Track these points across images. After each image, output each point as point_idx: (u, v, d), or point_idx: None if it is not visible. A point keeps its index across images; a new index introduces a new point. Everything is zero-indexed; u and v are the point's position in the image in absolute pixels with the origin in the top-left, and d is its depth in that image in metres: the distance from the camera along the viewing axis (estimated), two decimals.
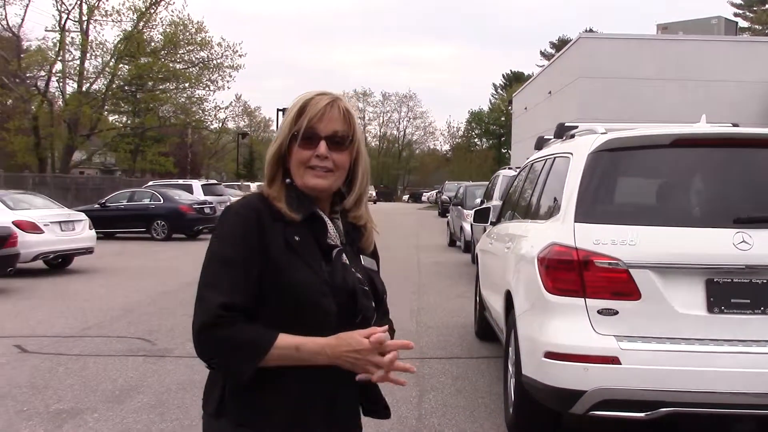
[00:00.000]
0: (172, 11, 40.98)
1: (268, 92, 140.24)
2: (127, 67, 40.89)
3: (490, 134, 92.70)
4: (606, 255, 4.16)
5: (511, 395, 5.10)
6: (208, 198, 24.57)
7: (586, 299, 4.19)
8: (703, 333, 4.10)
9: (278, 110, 52.59)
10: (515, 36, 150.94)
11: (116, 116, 51.23)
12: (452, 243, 20.85)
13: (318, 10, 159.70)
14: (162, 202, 22.95)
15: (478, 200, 16.49)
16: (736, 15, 62.59)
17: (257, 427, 1.79)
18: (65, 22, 38.46)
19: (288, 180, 1.90)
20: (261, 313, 1.79)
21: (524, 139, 37.69)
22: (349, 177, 1.95)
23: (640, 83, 29.19)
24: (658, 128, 4.97)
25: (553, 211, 4.78)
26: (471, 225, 15.34)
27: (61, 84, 40.86)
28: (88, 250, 15.12)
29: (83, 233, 14.91)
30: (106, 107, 44.25)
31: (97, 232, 16.04)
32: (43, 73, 40.85)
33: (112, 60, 39.70)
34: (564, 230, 4.38)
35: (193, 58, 42.95)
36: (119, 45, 39.30)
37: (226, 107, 50.59)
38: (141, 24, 39.83)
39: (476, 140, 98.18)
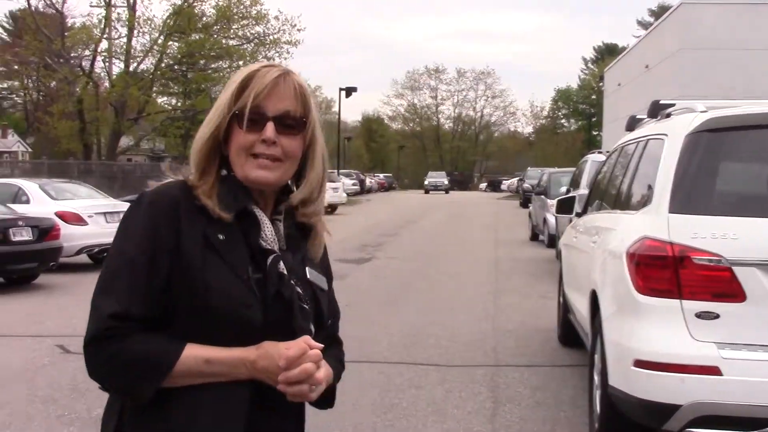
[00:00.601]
0: None
1: (330, 70, 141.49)
2: (176, 44, 41.75)
3: (578, 114, 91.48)
4: (705, 250, 4.08)
5: (597, 408, 5.05)
6: None
7: (682, 301, 4.11)
8: None
9: (341, 89, 53.07)
10: (608, 3, 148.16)
11: (165, 98, 52.46)
12: (534, 237, 20.68)
13: None
14: None
15: (564, 189, 16.31)
16: None
17: None
18: None
19: (225, 171, 1.75)
20: (172, 325, 1.65)
21: (618, 119, 36.99)
22: (299, 167, 1.79)
23: (750, 55, 28.27)
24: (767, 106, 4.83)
25: (646, 200, 4.72)
26: (555, 216, 15.18)
27: (107, 64, 42.01)
28: None
29: None
30: (155, 88, 45.34)
31: None
32: (87, 52, 42.08)
33: (161, 37, 40.58)
34: (657, 222, 4.31)
35: (248, 34, 43.51)
36: (168, 20, 40.14)
37: None
38: None
39: (563, 121, 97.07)
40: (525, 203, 33.63)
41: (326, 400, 1.88)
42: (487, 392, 6.47)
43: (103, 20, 39.48)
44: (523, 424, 5.71)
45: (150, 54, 40.84)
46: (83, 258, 14.77)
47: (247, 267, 1.68)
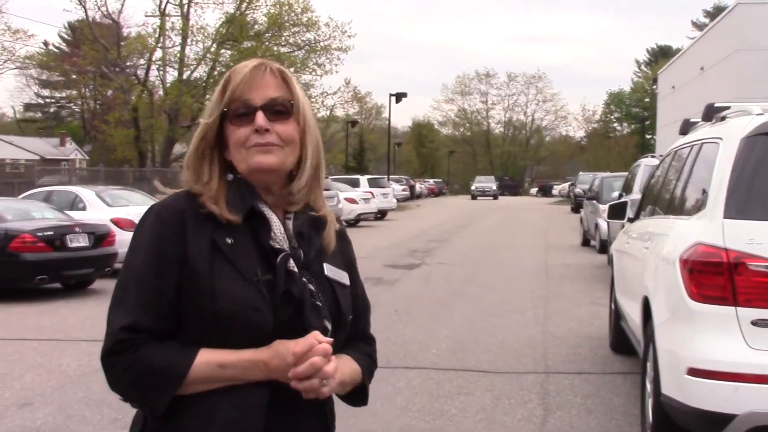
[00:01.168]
0: None
1: (381, 76, 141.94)
2: (229, 52, 42.29)
3: (631, 117, 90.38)
4: (762, 257, 4.00)
5: (649, 417, 4.96)
6: None
7: (738, 308, 4.02)
8: None
9: (391, 95, 53.18)
10: (662, 3, 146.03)
11: None
12: (586, 242, 20.45)
13: None
14: None
15: (616, 193, 16.08)
16: None
17: None
18: (165, 6, 40.22)
19: (230, 176, 1.75)
20: (183, 333, 1.67)
21: (672, 123, 36.41)
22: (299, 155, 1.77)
23: None
24: None
25: (700, 205, 4.64)
26: (607, 222, 14.99)
27: (161, 72, 42.74)
28: None
29: None
30: (208, 96, 45.96)
31: None
32: (142, 61, 42.92)
33: (214, 45, 41.16)
34: (711, 227, 4.23)
35: (299, 41, 43.90)
36: (221, 29, 40.70)
37: (334, 93, 51.19)
38: (243, 5, 41.10)
39: (615, 125, 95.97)
40: (576, 208, 33.31)
41: (358, 397, 1.87)
42: (537, 399, 6.40)
43: (158, 29, 40.20)
44: None
45: (203, 62, 41.46)
46: None
47: (256, 269, 1.68)
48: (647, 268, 5.41)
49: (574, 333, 9.09)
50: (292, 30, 43.28)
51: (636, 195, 11.09)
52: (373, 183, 34.72)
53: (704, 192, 4.60)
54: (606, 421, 5.88)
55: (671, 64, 45.22)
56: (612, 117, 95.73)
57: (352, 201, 28.85)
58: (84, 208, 14.97)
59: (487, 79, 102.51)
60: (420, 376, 7.10)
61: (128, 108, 41.09)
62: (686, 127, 6.51)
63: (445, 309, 10.73)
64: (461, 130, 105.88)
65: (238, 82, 1.71)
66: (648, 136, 75.40)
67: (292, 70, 43.62)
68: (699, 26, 73.92)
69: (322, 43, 43.47)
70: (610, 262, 9.22)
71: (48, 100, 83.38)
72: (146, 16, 43.56)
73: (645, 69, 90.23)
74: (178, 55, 41.19)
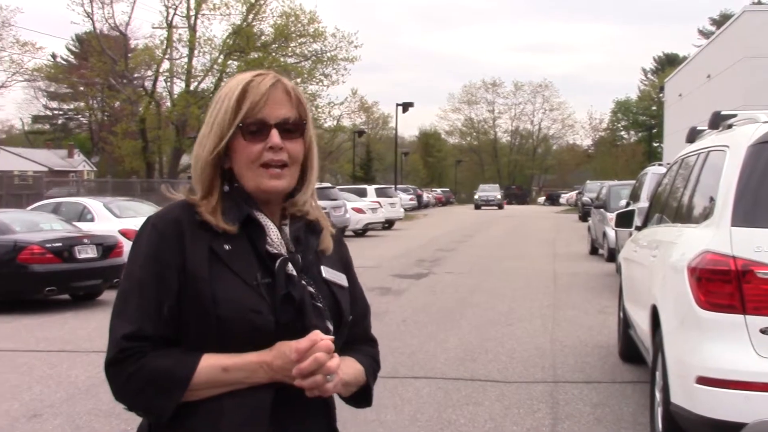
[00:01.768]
0: (283, 1, 41.95)
1: (387, 85, 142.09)
2: (236, 63, 42.43)
3: (638, 126, 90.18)
4: None
5: (659, 426, 4.95)
6: (322, 203, 25.10)
7: (746, 316, 4.02)
8: None
9: (397, 105, 53.25)
10: (668, 12, 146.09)
11: None
12: (594, 251, 20.41)
13: None
14: None
15: (624, 202, 16.06)
16: None
17: None
18: (172, 18, 40.43)
19: (226, 187, 1.77)
20: (185, 339, 1.69)
21: (679, 131, 36.31)
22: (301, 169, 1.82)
23: None
24: None
25: (707, 213, 4.64)
26: (615, 230, 14.96)
27: (168, 83, 42.94)
28: None
29: None
30: None
31: None
32: (150, 72, 43.07)
33: (221, 56, 41.33)
34: (719, 235, 4.23)
35: (306, 51, 44.05)
36: (228, 40, 40.88)
37: (341, 103, 51.47)
38: (250, 17, 41.27)
39: (622, 133, 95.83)
40: (584, 217, 33.22)
41: (362, 399, 1.89)
42: (546, 409, 6.39)
43: (165, 41, 40.40)
44: None
45: (210, 73, 41.62)
46: None
47: (255, 273, 1.70)
48: (655, 277, 5.41)
49: (583, 342, 9.07)
50: (299, 41, 43.44)
51: (643, 203, 11.07)
52: (380, 193, 34.73)
53: (711, 200, 4.60)
54: (615, 430, 5.87)
55: (678, 72, 45.19)
56: (619, 125, 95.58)
57: (359, 211, 28.89)
58: (92, 220, 15.04)
59: (493, 89, 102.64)
60: (428, 385, 7.10)
61: (136, 119, 41.28)
62: (693, 135, 6.50)
63: (453, 318, 10.71)
64: (468, 139, 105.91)
65: (257, 99, 1.72)
66: (655, 144, 75.23)
67: (299, 80, 44.03)
68: (705, 34, 73.88)
69: (328, 54, 43.65)
70: (618, 270, 9.20)
71: (56, 112, 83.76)
72: (153, 27, 43.78)
73: (652, 77, 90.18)
74: (186, 66, 41.37)
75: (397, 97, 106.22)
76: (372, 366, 1.92)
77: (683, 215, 5.46)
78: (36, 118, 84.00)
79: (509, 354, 8.39)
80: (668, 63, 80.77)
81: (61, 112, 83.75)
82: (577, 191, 56.78)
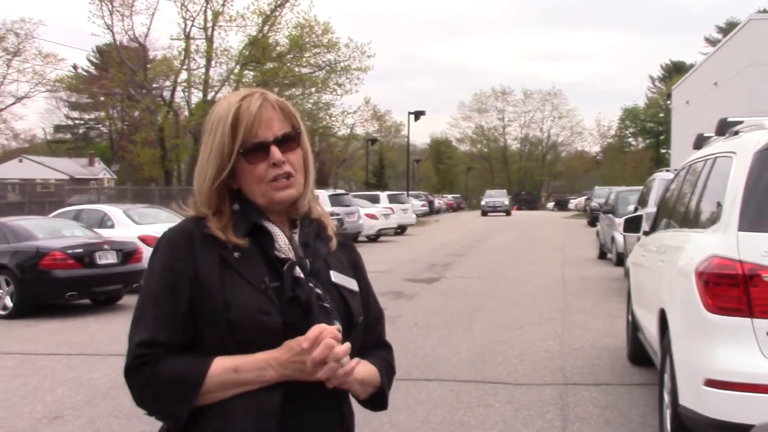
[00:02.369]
0: (298, 13, 42.10)
1: (399, 94, 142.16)
2: (252, 73, 42.66)
3: (646, 132, 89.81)
4: None
5: (667, 428, 4.92)
6: (336, 209, 25.17)
7: (753, 319, 3.99)
8: None
9: (409, 113, 53.27)
10: (675, 20, 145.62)
11: None
12: (602, 255, 20.33)
13: (452, 4, 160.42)
14: None
15: (632, 207, 16.01)
16: None
17: None
18: (190, 30, 40.69)
19: (236, 206, 1.81)
20: (199, 345, 1.72)
21: (686, 137, 36.18)
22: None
23: None
24: None
25: (714, 218, 4.61)
26: (623, 235, 14.90)
27: (186, 93, 43.19)
28: None
29: None
30: None
31: None
32: (168, 83, 43.32)
33: (237, 67, 41.54)
34: (726, 240, 4.21)
35: (320, 62, 44.22)
36: (244, 51, 41.09)
37: (354, 112, 51.58)
38: (266, 28, 41.47)
39: (630, 140, 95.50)
40: (593, 222, 33.12)
41: (378, 401, 1.90)
42: (556, 411, 6.36)
43: (183, 52, 40.65)
44: None
45: (227, 83, 41.82)
46: None
47: (263, 277, 1.74)
48: (663, 281, 5.38)
49: (592, 345, 9.03)
50: (313, 51, 43.60)
51: (651, 209, 11.03)
52: (393, 199, 34.77)
53: (718, 205, 4.58)
54: (624, 431, 5.83)
55: (685, 79, 44.99)
56: (627, 132, 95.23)
57: (372, 217, 28.91)
58: (112, 226, 15.10)
59: (503, 97, 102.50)
60: (440, 388, 7.08)
61: (154, 128, 41.51)
62: (700, 142, 6.47)
63: (465, 322, 10.69)
64: (479, 146, 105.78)
65: (250, 122, 1.76)
66: (663, 151, 74.91)
67: (313, 90, 44.16)
68: (712, 42, 73.56)
69: (342, 64, 43.80)
70: (627, 274, 9.16)
71: (77, 122, 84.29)
72: (172, 39, 44.03)
73: (659, 84, 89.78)
74: (203, 76, 41.60)
75: (408, 105, 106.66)
76: (386, 369, 1.93)
77: (691, 220, 5.43)
78: (58, 128, 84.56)
79: (519, 357, 8.36)
80: (675, 71, 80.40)
81: (82, 122, 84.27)
82: (585, 197, 56.55)
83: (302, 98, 47.12)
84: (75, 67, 66.94)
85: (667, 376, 4.97)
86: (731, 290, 4.09)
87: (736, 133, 5.12)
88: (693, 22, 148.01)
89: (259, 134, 1.77)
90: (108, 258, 12.24)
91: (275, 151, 1.77)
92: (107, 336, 9.97)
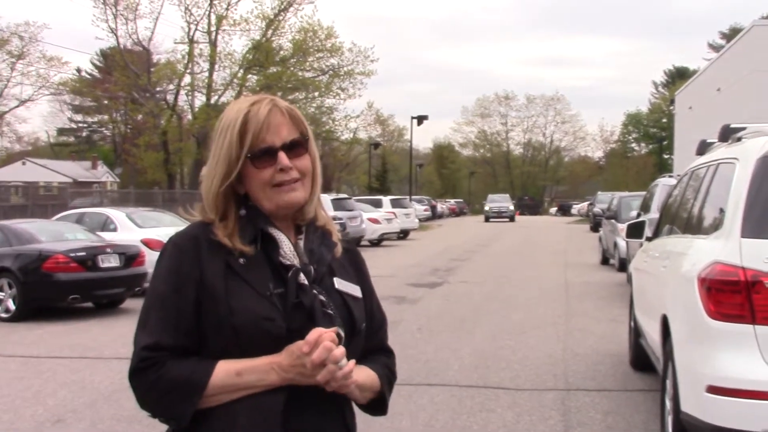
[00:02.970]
0: (302, 17, 42.13)
1: (402, 99, 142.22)
2: (255, 77, 42.70)
3: (649, 138, 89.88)
4: None
5: None
6: (338, 213, 25.15)
7: (756, 326, 3.99)
8: None
9: (412, 118, 53.28)
10: (678, 26, 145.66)
11: None
12: (605, 261, 20.31)
13: (456, 8, 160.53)
14: None
15: (634, 213, 15.99)
16: None
17: None
18: (194, 34, 40.72)
19: (242, 211, 1.82)
20: (204, 349, 1.74)
21: (689, 143, 36.12)
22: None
23: None
24: None
25: (717, 224, 4.61)
26: (625, 240, 14.89)
27: (189, 97, 43.22)
28: None
29: None
30: None
31: None
32: (171, 86, 43.40)
33: (241, 71, 41.56)
34: (729, 247, 4.21)
35: (323, 66, 44.23)
36: (247, 55, 41.11)
37: (358, 116, 51.61)
38: (269, 32, 41.50)
39: (633, 145, 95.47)
40: (595, 227, 33.08)
41: (378, 406, 1.92)
42: (558, 416, 6.36)
43: (187, 56, 40.66)
44: None
45: (230, 87, 41.85)
46: None
47: (268, 284, 1.75)
48: (666, 287, 5.38)
49: (594, 350, 9.03)
50: (317, 55, 43.62)
51: (654, 214, 11.02)
52: (395, 203, 34.77)
53: (721, 211, 4.58)
54: None
55: (688, 85, 44.98)
56: (630, 137, 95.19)
57: (375, 221, 28.90)
58: (115, 230, 15.12)
59: (506, 102, 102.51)
60: (442, 393, 7.08)
61: (158, 132, 41.53)
62: (703, 148, 6.47)
63: (467, 327, 10.69)
64: (481, 151, 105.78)
65: (258, 127, 1.77)
66: (665, 156, 74.90)
67: (316, 94, 44.17)
68: (715, 48, 73.57)
69: (345, 68, 43.81)
70: (629, 280, 9.16)
71: (80, 125, 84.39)
72: (175, 43, 43.99)
73: (662, 90, 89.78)
74: (206, 80, 41.63)
75: (412, 110, 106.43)
76: (387, 375, 1.94)
77: (693, 226, 5.43)
78: (61, 131, 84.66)
79: (522, 362, 8.36)
80: (679, 76, 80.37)
81: (85, 125, 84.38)
82: (588, 202, 56.51)
83: (305, 102, 47.12)
84: (79, 70, 67.01)
85: (669, 382, 4.97)
86: (734, 297, 4.08)
87: (739, 139, 5.12)
88: (696, 28, 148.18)
89: (266, 140, 1.78)
90: (110, 261, 12.25)
91: (282, 157, 1.78)
92: (110, 339, 9.97)
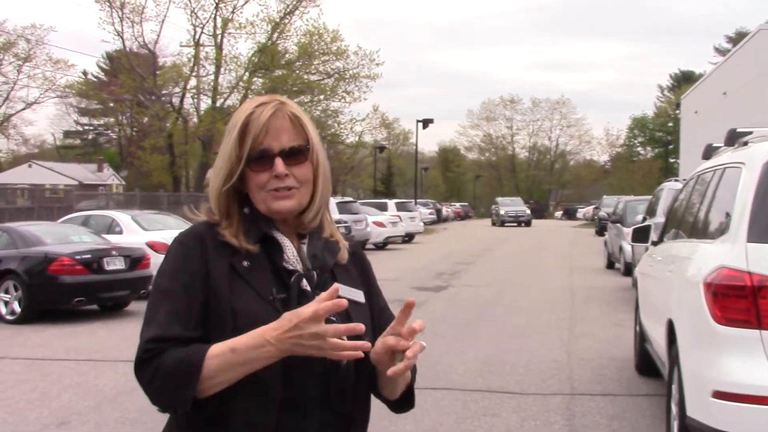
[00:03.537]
0: (307, 20, 42.19)
1: (408, 102, 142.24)
2: (261, 80, 42.75)
3: (655, 142, 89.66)
4: None
5: None
6: (343, 217, 25.16)
7: (762, 331, 3.97)
8: None
9: (418, 121, 53.29)
10: (684, 30, 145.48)
11: None
12: (610, 265, 20.28)
13: (461, 12, 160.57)
14: None
15: (640, 217, 15.97)
16: None
17: None
18: (200, 37, 40.81)
19: (246, 210, 1.82)
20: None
21: (695, 147, 36.07)
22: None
23: None
24: None
25: (723, 229, 4.59)
26: (631, 245, 14.86)
27: (195, 100, 43.28)
28: None
29: None
30: None
31: None
32: (177, 89, 43.45)
33: (246, 74, 41.61)
34: (735, 251, 4.19)
35: (329, 69, 44.28)
36: (253, 58, 41.18)
37: (363, 120, 51.54)
38: (275, 35, 41.56)
39: (639, 149, 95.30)
40: (601, 231, 33.03)
41: (406, 402, 1.92)
42: (563, 421, 6.34)
43: (193, 59, 40.75)
44: None
45: (236, 90, 41.92)
46: None
47: (271, 288, 1.74)
48: (671, 291, 5.36)
49: (600, 354, 9.01)
50: (322, 58, 43.66)
51: (660, 218, 11.00)
52: (400, 207, 34.79)
53: (727, 216, 4.56)
54: None
55: (694, 89, 44.93)
56: (635, 141, 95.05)
57: (380, 224, 28.91)
58: (120, 232, 15.14)
59: (512, 105, 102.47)
60: (447, 396, 7.07)
61: (163, 135, 41.59)
62: (709, 152, 6.46)
63: (472, 330, 10.68)
64: (487, 155, 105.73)
65: (258, 131, 1.76)
66: (671, 160, 74.68)
67: (321, 97, 44.19)
68: (721, 52, 73.43)
69: (351, 71, 43.85)
70: (635, 284, 9.14)
71: (86, 128, 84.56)
72: (181, 46, 44.23)
73: (668, 94, 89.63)
74: (212, 83, 41.70)
75: (417, 113, 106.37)
76: (414, 368, 1.93)
77: (699, 231, 5.41)
78: (67, 134, 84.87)
79: (526, 366, 8.34)
80: (684, 80, 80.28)
81: (91, 128, 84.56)
82: (593, 206, 56.40)
83: (311, 105, 47.14)
84: (85, 73, 67.14)
85: (674, 387, 4.95)
86: (740, 302, 4.07)
87: (746, 143, 5.11)
88: (702, 32, 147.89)
89: (264, 144, 1.76)
90: (116, 264, 12.27)
91: (278, 163, 1.76)
92: (114, 342, 9.98)
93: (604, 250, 21.81)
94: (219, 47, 40.83)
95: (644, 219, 14.27)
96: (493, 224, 55.48)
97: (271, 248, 1.80)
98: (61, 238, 13.00)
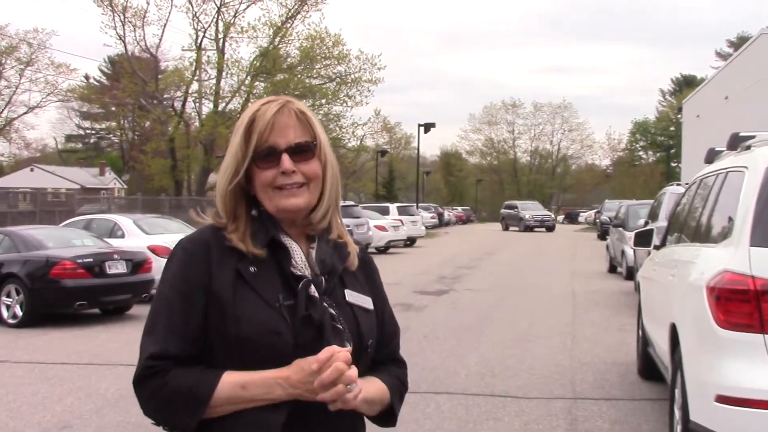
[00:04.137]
0: (309, 25, 42.21)
1: (409, 106, 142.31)
2: (262, 84, 42.74)
3: (656, 146, 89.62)
4: None
5: None
6: (345, 221, 25.07)
7: (765, 335, 3.97)
8: None
9: (419, 125, 53.27)
10: (686, 34, 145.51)
11: None
12: (612, 269, 20.27)
13: (463, 17, 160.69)
14: None
15: (642, 221, 15.95)
16: None
17: None
18: (201, 41, 40.84)
19: (254, 212, 1.79)
20: (209, 356, 1.71)
21: (697, 151, 36.06)
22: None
23: None
24: None
25: (726, 233, 4.59)
26: (633, 249, 14.85)
27: (197, 104, 43.32)
28: None
29: None
30: None
31: None
32: (179, 93, 43.48)
33: (248, 78, 41.63)
34: (738, 255, 4.19)
35: (330, 73, 44.25)
36: (255, 62, 41.19)
37: (364, 124, 51.44)
38: (277, 39, 41.58)
39: (641, 153, 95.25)
40: (603, 235, 33.04)
41: (387, 418, 1.89)
42: (565, 425, 6.33)
43: (194, 63, 40.76)
44: None
45: (237, 94, 41.93)
46: None
47: (278, 294, 1.71)
48: (674, 295, 5.36)
49: (602, 359, 8.99)
50: (324, 63, 43.65)
51: (662, 222, 10.99)
52: (402, 211, 34.77)
53: (730, 220, 4.56)
54: None
55: (696, 93, 44.91)
56: (637, 145, 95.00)
57: (381, 228, 28.90)
58: (122, 236, 15.14)
59: (513, 109, 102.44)
60: (449, 401, 7.06)
61: (165, 139, 41.62)
62: (711, 156, 6.45)
63: (474, 335, 10.66)
64: (488, 159, 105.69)
65: (263, 127, 1.74)
66: (673, 165, 74.64)
67: (323, 101, 44.19)
68: (723, 56, 73.44)
69: (352, 76, 43.81)
70: (637, 288, 9.12)
71: (88, 132, 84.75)
72: (183, 50, 44.10)
73: (670, 98, 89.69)
74: (214, 87, 41.72)
75: (419, 117, 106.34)
76: (398, 386, 1.90)
77: (702, 235, 5.41)
78: (69, 138, 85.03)
79: (529, 370, 8.33)
80: (686, 84, 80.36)
81: (93, 132, 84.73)
82: (595, 210, 56.34)
83: (312, 109, 46.87)
84: (87, 77, 67.33)
85: (677, 392, 4.94)
86: (743, 306, 4.06)
87: (748, 147, 5.10)
88: (704, 37, 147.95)
89: (270, 140, 1.74)
90: (118, 268, 12.27)
91: (285, 160, 1.74)
92: (116, 346, 9.98)
93: (606, 254, 21.79)
94: (221, 51, 40.86)
95: (646, 223, 14.25)
96: (505, 229, 54.23)
97: (278, 252, 1.77)
98: (63, 241, 13.01)
